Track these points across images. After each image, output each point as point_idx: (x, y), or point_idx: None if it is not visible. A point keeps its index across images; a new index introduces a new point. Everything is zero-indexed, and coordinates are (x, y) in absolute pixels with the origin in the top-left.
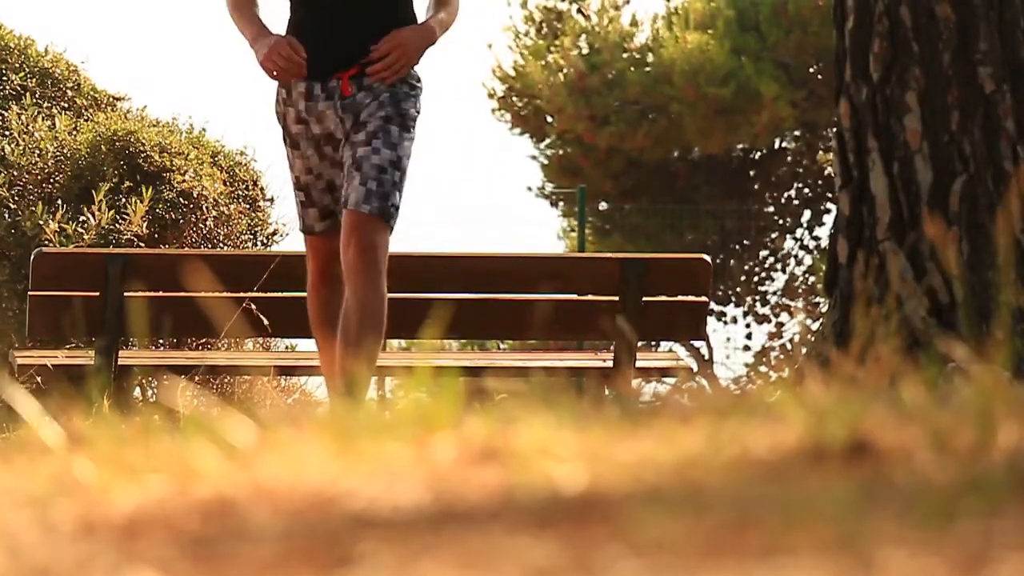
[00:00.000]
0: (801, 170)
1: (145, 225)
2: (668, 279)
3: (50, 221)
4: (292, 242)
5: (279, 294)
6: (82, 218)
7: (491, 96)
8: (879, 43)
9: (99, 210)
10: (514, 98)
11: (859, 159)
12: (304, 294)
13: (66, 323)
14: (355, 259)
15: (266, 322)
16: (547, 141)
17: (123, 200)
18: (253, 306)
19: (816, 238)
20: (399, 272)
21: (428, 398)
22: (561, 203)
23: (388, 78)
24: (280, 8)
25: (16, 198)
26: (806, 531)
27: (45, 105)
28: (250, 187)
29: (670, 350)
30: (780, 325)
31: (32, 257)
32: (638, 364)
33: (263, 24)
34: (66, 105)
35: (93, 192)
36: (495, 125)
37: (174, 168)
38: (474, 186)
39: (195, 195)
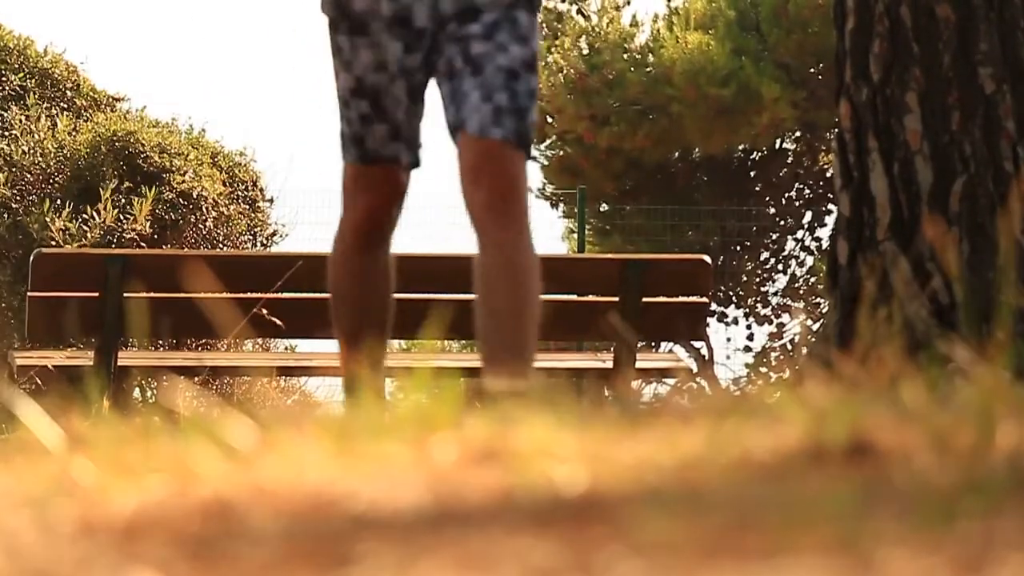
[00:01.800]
0: (802, 171)
1: (146, 225)
2: (668, 280)
3: (56, 220)
4: (292, 242)
5: (280, 295)
6: (83, 218)
7: None
8: (879, 44)
9: (104, 209)
10: None
11: (859, 160)
12: (304, 294)
13: (66, 324)
14: (496, 207)
15: (279, 323)
16: (547, 142)
17: (123, 200)
18: (264, 310)
19: (817, 239)
20: (400, 272)
21: (428, 399)
22: (562, 204)
23: None
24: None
25: (17, 198)
26: (806, 532)
27: (44, 105)
28: (250, 188)
29: (670, 351)
30: (781, 326)
31: (32, 257)
32: (638, 365)
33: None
34: (65, 106)
35: (94, 192)
36: None
37: (174, 169)
38: None
39: (195, 196)
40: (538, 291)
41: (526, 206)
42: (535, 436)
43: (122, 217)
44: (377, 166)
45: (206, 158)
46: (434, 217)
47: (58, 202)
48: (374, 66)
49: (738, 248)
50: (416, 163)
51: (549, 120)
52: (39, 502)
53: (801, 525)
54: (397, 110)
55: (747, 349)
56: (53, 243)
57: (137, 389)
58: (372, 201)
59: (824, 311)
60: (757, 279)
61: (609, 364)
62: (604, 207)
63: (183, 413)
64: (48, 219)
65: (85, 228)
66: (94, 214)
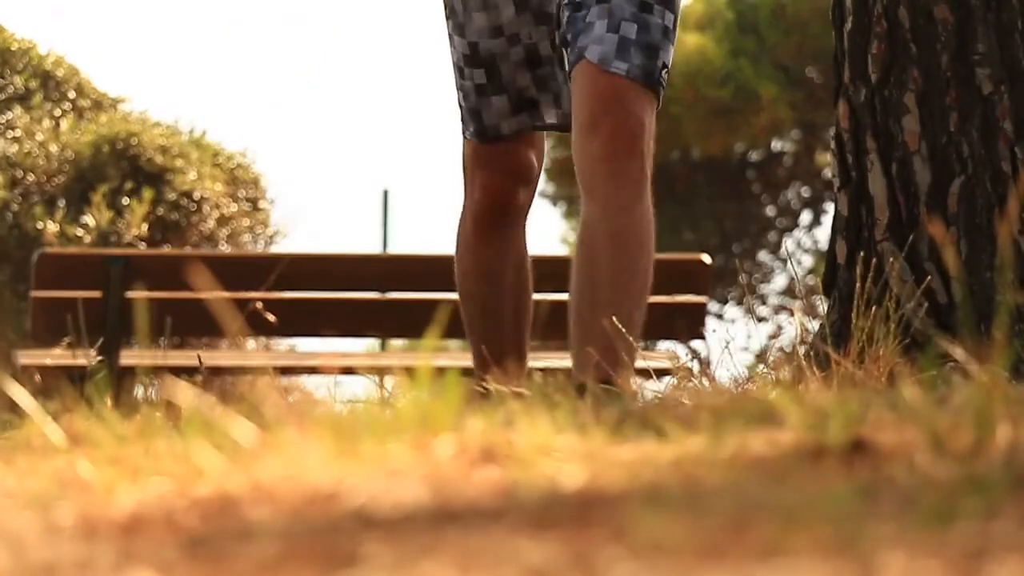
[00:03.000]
0: (800, 171)
1: (147, 226)
2: (667, 279)
3: (50, 223)
4: (292, 243)
5: (280, 294)
6: (84, 219)
7: None
8: (877, 44)
9: (99, 211)
10: None
11: (857, 160)
12: (307, 294)
13: (68, 324)
14: (613, 159)
15: (271, 318)
16: (548, 143)
17: (125, 201)
18: (260, 306)
19: (815, 239)
20: (400, 273)
21: (428, 398)
22: (562, 204)
23: None
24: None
25: (19, 199)
26: (805, 531)
27: (47, 107)
28: (251, 188)
29: (670, 350)
30: (779, 326)
31: (34, 258)
32: (638, 365)
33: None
34: (68, 107)
35: (95, 193)
36: None
37: (176, 169)
38: None
39: (196, 196)
40: (649, 265)
41: (648, 162)
42: (535, 436)
43: (121, 220)
44: (497, 143)
45: (208, 159)
46: (435, 218)
47: (60, 203)
48: (489, 31)
49: (737, 248)
50: (556, 126)
51: None
52: (41, 501)
53: (801, 525)
54: (516, 78)
55: (747, 349)
56: (51, 245)
57: (139, 388)
58: (493, 182)
59: (823, 311)
60: (756, 279)
61: None
62: None
63: (184, 412)
64: (42, 224)
65: (82, 231)
66: (90, 217)
